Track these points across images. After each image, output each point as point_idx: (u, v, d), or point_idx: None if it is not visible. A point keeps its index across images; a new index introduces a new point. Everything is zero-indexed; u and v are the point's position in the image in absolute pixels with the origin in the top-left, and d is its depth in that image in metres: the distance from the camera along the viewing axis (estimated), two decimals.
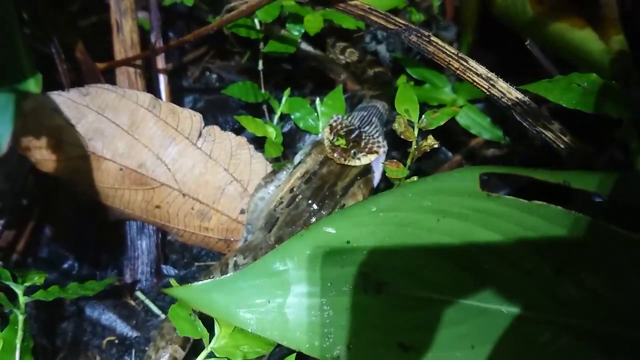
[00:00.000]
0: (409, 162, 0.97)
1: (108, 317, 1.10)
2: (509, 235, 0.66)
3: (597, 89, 0.85)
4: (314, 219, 0.97)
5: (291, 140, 1.26)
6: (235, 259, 0.99)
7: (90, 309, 1.11)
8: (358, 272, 0.64)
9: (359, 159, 0.99)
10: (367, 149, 1.01)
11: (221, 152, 1.12)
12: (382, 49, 1.34)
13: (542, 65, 1.06)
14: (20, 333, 0.84)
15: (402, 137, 0.94)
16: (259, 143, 1.16)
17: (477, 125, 1.22)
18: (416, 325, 0.67)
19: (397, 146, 1.22)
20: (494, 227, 0.66)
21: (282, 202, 0.99)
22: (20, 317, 0.85)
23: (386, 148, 1.05)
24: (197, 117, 1.13)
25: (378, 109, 1.13)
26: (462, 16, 1.35)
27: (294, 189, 0.99)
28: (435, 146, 0.95)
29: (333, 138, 1.00)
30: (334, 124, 1.03)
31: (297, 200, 0.98)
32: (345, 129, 1.02)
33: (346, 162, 0.98)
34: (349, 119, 1.08)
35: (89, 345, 1.07)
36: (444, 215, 0.67)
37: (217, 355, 0.79)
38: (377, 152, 1.01)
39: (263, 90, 1.25)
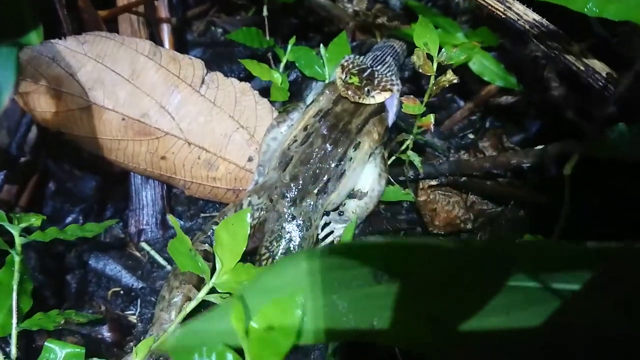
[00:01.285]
0: (426, 98, 0.90)
1: (113, 268, 1.03)
2: None
3: None
4: (328, 157, 0.91)
5: (297, 90, 1.16)
6: (249, 198, 0.93)
7: (94, 260, 1.03)
8: (367, 271, 0.54)
9: (373, 96, 0.93)
10: (380, 87, 0.94)
11: (225, 99, 1.04)
12: None
13: None
14: (16, 275, 0.77)
15: (420, 70, 0.87)
16: (264, 94, 1.08)
17: (490, 72, 1.12)
18: (445, 301, 0.58)
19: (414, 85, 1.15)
20: None
21: (296, 141, 0.93)
22: (17, 259, 0.78)
23: (400, 87, 0.98)
24: (199, 64, 1.04)
25: (394, 48, 1.05)
26: None
27: (308, 127, 0.93)
28: (455, 81, 0.87)
29: (345, 77, 0.93)
30: (346, 64, 0.97)
31: (311, 138, 0.92)
32: (357, 68, 0.96)
33: (360, 100, 0.92)
34: (362, 58, 1.01)
35: (93, 296, 1.00)
36: None
37: (219, 291, 0.72)
38: (391, 90, 0.94)
39: (268, 38, 1.16)
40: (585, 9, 0.69)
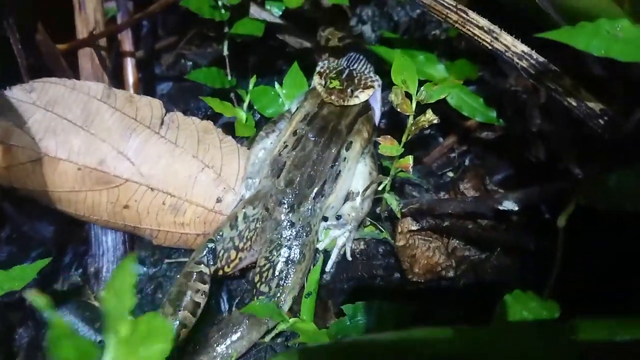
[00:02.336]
0: (404, 138, 0.79)
1: (69, 320, 0.90)
2: None
3: (629, 36, 0.64)
4: (322, 158, 0.85)
5: None
6: (244, 210, 0.84)
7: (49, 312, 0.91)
8: None
9: (357, 96, 0.87)
10: (362, 85, 0.88)
11: (188, 139, 0.92)
12: (367, 29, 1.14)
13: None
14: None
15: (398, 109, 0.77)
16: (230, 130, 0.98)
17: (469, 106, 1.00)
18: None
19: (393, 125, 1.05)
20: None
21: (286, 146, 0.86)
22: None
23: (380, 82, 0.91)
24: (157, 104, 0.92)
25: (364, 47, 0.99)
26: None
27: (297, 132, 0.86)
28: (435, 122, 0.77)
29: (325, 82, 0.88)
30: (322, 70, 0.91)
31: (302, 141, 0.85)
32: (334, 71, 0.91)
33: (345, 102, 0.86)
34: (336, 62, 0.94)
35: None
36: None
37: None
38: (372, 87, 0.89)
39: (229, 77, 1.04)
40: (589, 48, 0.59)
